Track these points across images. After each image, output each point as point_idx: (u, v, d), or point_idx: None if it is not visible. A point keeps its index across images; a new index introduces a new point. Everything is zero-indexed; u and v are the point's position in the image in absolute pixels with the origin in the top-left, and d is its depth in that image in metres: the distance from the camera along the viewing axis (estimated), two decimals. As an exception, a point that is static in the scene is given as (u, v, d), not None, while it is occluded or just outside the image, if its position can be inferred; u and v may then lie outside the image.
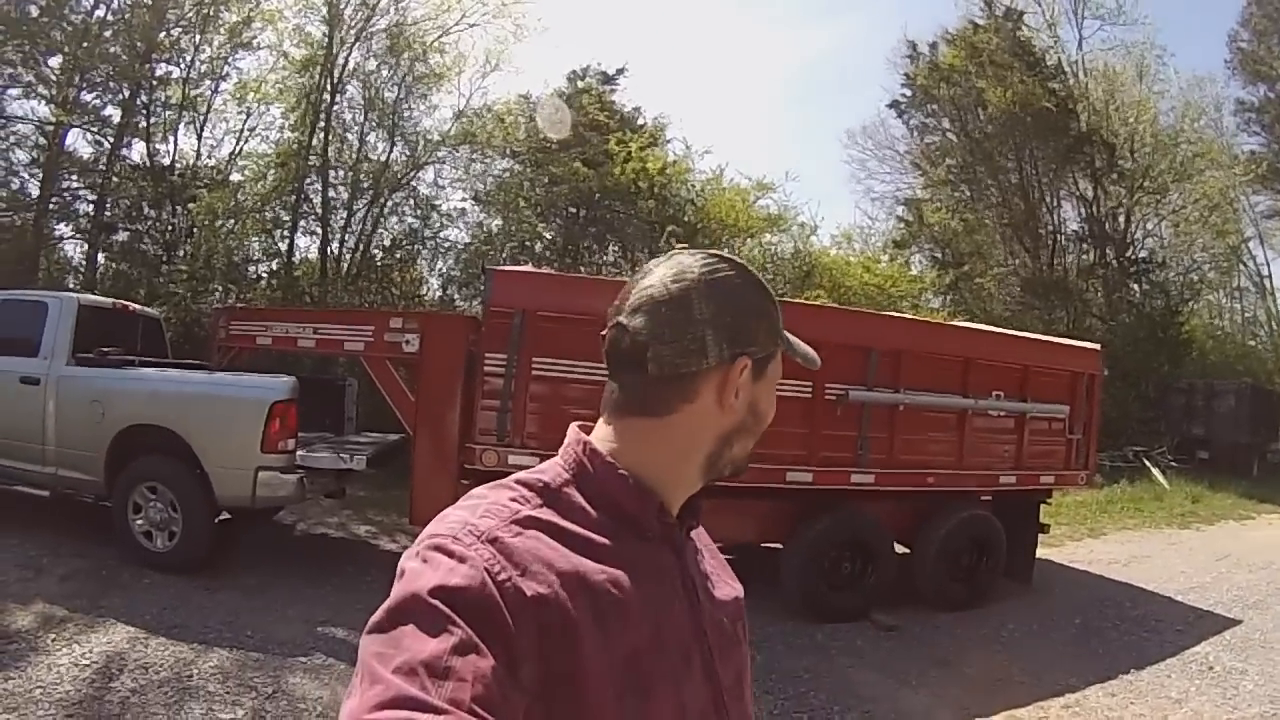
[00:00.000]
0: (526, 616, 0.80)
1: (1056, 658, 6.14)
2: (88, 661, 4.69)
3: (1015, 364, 7.64)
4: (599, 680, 0.83)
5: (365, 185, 16.50)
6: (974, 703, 5.20)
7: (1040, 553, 8.34)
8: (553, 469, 0.98)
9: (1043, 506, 8.26)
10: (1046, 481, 8.01)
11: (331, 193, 16.35)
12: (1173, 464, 17.52)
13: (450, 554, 0.82)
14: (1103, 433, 8.86)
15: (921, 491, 7.16)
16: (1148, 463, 17.10)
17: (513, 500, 0.92)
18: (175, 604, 5.67)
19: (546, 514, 0.91)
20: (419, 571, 0.81)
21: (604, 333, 1.01)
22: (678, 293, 0.97)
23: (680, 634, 0.94)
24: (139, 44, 15.38)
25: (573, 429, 1.02)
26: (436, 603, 0.77)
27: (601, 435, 1.00)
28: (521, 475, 0.96)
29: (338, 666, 4.93)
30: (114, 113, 15.95)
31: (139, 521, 6.39)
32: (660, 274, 0.99)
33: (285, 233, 16.00)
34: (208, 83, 16.46)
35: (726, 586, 1.08)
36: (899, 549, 7.19)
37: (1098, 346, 8.81)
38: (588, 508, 0.94)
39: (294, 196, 15.63)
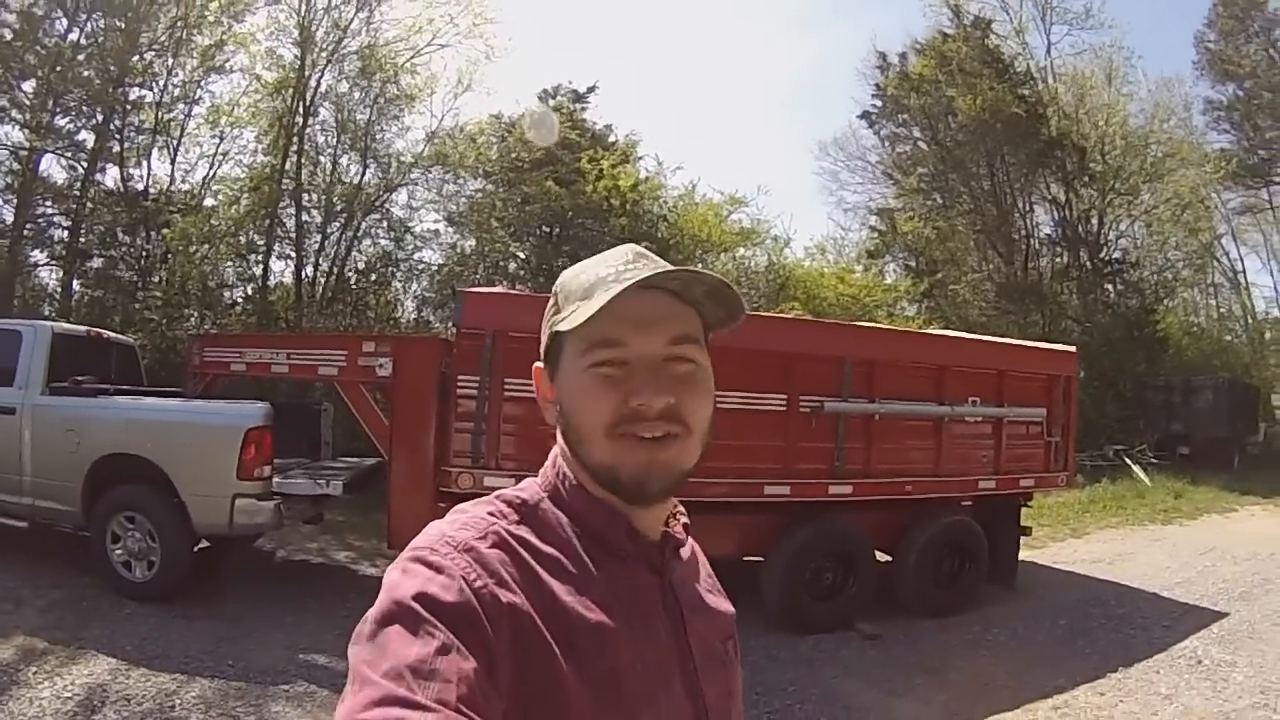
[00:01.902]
0: (502, 623, 0.81)
1: (1043, 659, 6.14)
2: (70, 694, 4.65)
3: (990, 369, 7.68)
4: (575, 699, 0.84)
5: (339, 208, 16.52)
6: (962, 709, 5.21)
7: (1023, 555, 8.36)
8: (531, 487, 0.99)
9: (1024, 509, 8.30)
10: (1026, 485, 8.03)
11: (305, 216, 16.38)
12: (1153, 461, 17.65)
13: (429, 564, 0.83)
14: (1082, 432, 8.95)
15: (901, 500, 7.18)
16: (1128, 461, 17.21)
17: (491, 515, 0.93)
18: (155, 634, 5.62)
19: (523, 531, 0.92)
20: (398, 582, 0.82)
21: None
22: None
23: (660, 654, 0.94)
24: (112, 68, 15.35)
25: (555, 448, 1.02)
26: (418, 608, 0.78)
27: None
28: (503, 492, 0.98)
29: (320, 694, 4.90)
30: (88, 137, 15.95)
31: (117, 551, 6.34)
32: None
33: (259, 257, 15.99)
34: (181, 106, 16.51)
35: (717, 604, 1.08)
36: (880, 557, 7.21)
37: (1073, 349, 8.89)
38: (562, 528, 0.94)
39: (268, 220, 15.61)
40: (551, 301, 1.00)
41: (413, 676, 0.73)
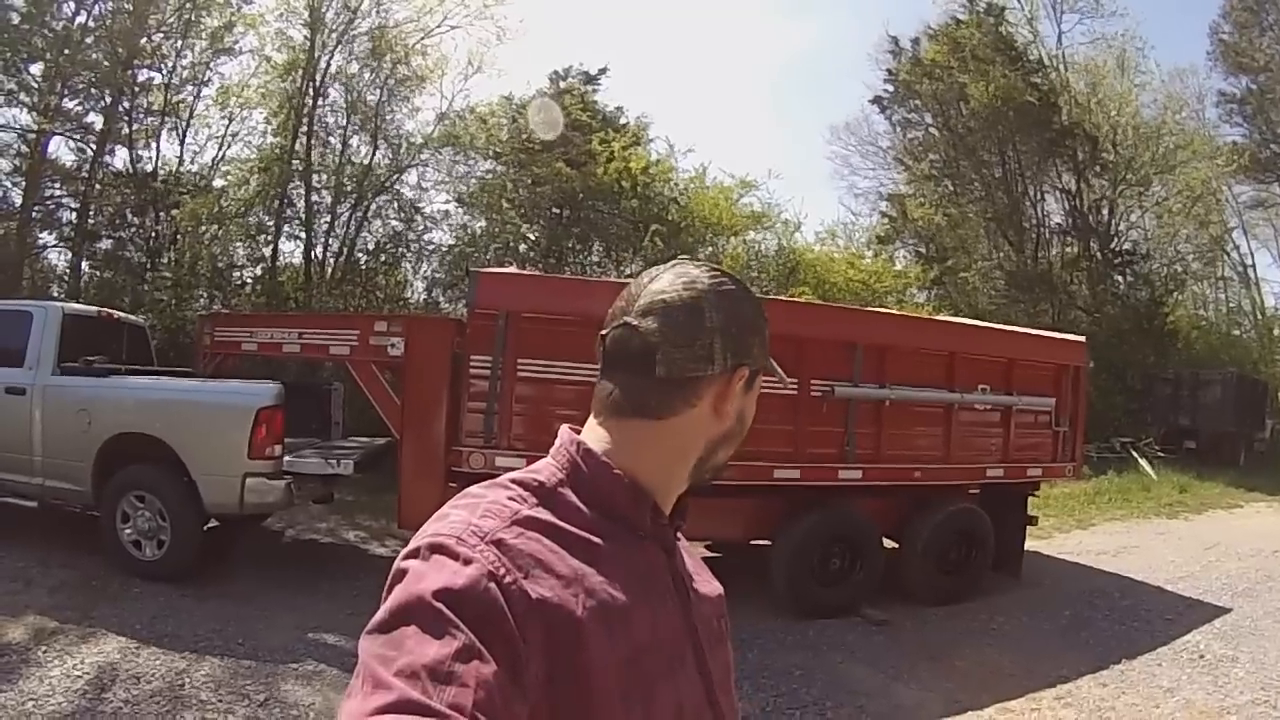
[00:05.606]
0: (532, 618, 0.80)
1: (1047, 649, 6.15)
2: (79, 673, 4.67)
3: (1000, 357, 7.66)
4: (605, 680, 0.83)
5: (348, 189, 16.47)
6: (966, 696, 5.21)
7: (1029, 545, 8.36)
8: (547, 469, 0.98)
9: (1030, 499, 8.27)
10: (1033, 474, 8.03)
11: (315, 197, 16.34)
12: (1160, 454, 17.59)
13: (455, 555, 0.81)
14: (1089, 424, 8.92)
15: (909, 486, 7.19)
16: (1135, 453, 17.17)
17: (511, 500, 0.91)
18: (165, 613, 5.65)
19: (544, 514, 0.91)
20: (422, 572, 0.80)
21: (605, 332, 1.02)
22: (690, 299, 0.98)
23: (673, 632, 0.95)
24: (121, 50, 15.28)
25: (564, 430, 1.02)
26: (440, 606, 0.76)
27: (595, 436, 1.00)
28: (516, 475, 0.96)
29: (329, 673, 4.93)
30: (96, 119, 15.89)
31: (127, 531, 6.36)
32: (670, 279, 1.01)
33: (269, 238, 16.00)
34: (190, 88, 16.41)
35: (708, 584, 1.09)
36: (887, 544, 7.20)
37: (1082, 339, 8.85)
38: (582, 508, 0.94)
39: (277, 201, 15.61)
40: (760, 321, 1.05)
41: (429, 679, 0.71)
